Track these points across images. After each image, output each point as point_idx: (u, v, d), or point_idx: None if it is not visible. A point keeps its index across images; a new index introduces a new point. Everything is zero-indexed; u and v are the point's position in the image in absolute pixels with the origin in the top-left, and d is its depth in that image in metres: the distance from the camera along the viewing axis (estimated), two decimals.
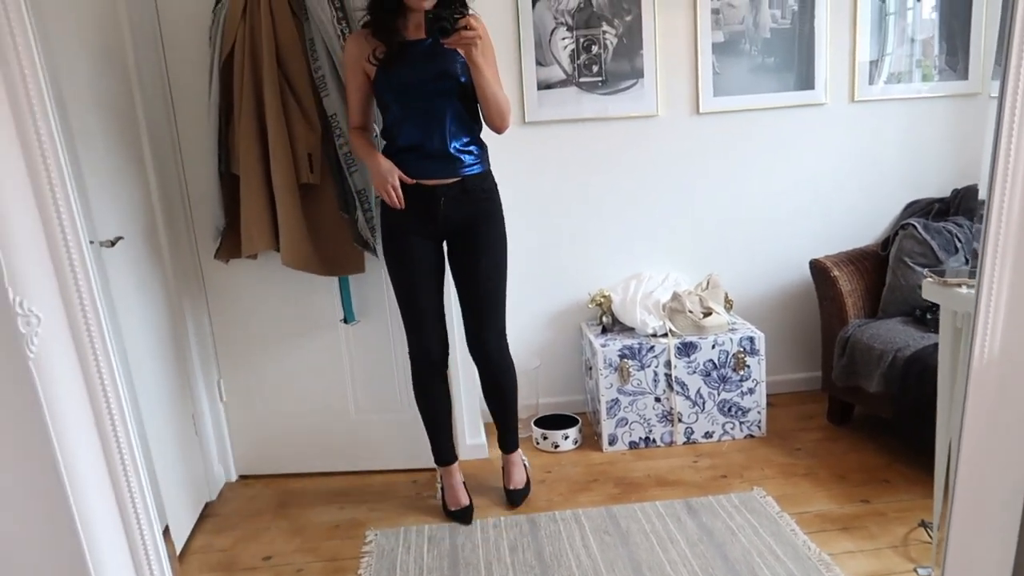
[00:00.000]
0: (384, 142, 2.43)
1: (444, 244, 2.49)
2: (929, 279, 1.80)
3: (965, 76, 3.23)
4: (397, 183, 2.31)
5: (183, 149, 2.72)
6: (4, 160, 1.10)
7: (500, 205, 2.48)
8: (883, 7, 3.19)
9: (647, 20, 3.09)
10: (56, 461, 1.21)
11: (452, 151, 2.34)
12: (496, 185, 2.47)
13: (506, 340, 2.56)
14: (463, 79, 2.29)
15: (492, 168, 2.47)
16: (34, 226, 1.15)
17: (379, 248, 2.59)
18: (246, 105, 2.51)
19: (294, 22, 2.51)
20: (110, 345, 1.23)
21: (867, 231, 3.31)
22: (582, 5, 3.07)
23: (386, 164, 2.33)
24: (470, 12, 2.24)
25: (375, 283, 2.78)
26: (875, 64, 3.22)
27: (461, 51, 2.20)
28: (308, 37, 2.52)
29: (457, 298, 2.55)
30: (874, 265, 3.10)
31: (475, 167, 2.39)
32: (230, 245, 2.64)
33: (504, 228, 2.49)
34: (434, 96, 2.30)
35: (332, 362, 2.88)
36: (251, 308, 2.84)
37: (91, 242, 1.99)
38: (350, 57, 2.37)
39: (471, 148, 2.38)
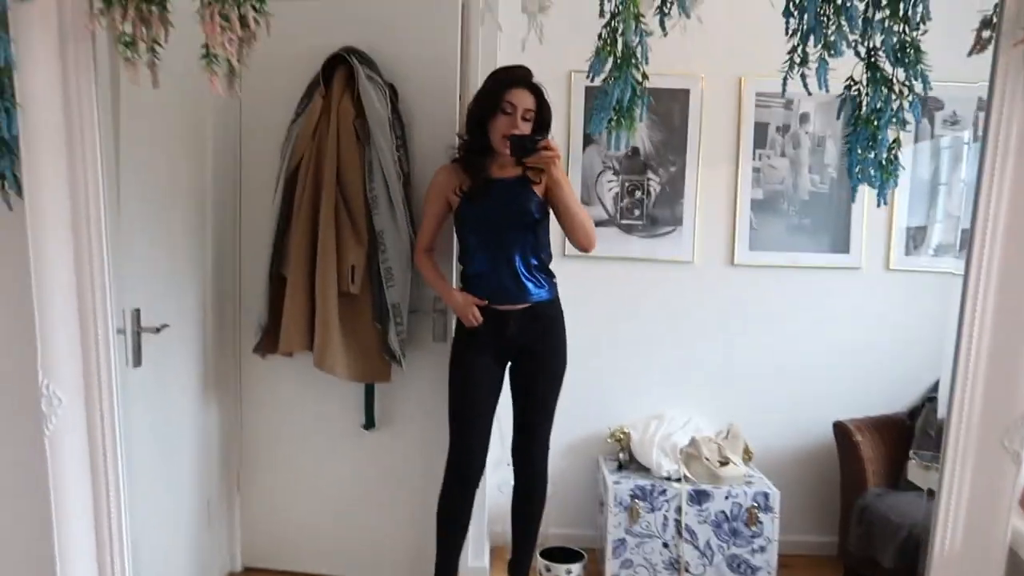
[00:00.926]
0: (461, 266, 2.65)
1: (507, 364, 2.63)
2: (912, 460, 1.81)
3: None
4: (477, 312, 2.51)
5: (243, 248, 2.94)
6: (55, 264, 1.27)
7: (564, 330, 2.64)
8: (934, 177, 3.27)
9: (690, 172, 3.25)
10: (52, 530, 1.32)
11: (523, 280, 2.52)
12: (562, 312, 2.64)
13: (548, 454, 2.71)
14: (537, 216, 2.51)
15: None
16: (71, 320, 1.30)
17: (405, 361, 2.72)
18: (304, 215, 2.72)
19: (357, 145, 2.74)
20: (118, 431, 1.35)
21: (897, 398, 3.26)
22: (630, 153, 3.26)
23: (461, 298, 2.55)
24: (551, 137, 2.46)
25: (400, 394, 2.88)
26: (914, 232, 3.26)
27: (543, 167, 2.41)
28: (367, 160, 2.74)
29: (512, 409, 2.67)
30: (900, 433, 3.05)
31: (543, 294, 2.56)
32: (269, 341, 2.80)
33: (566, 352, 2.64)
34: (510, 229, 2.52)
35: (350, 467, 2.95)
36: (280, 404, 2.96)
37: (137, 331, 2.16)
38: (437, 185, 2.62)
39: (540, 277, 2.57)
